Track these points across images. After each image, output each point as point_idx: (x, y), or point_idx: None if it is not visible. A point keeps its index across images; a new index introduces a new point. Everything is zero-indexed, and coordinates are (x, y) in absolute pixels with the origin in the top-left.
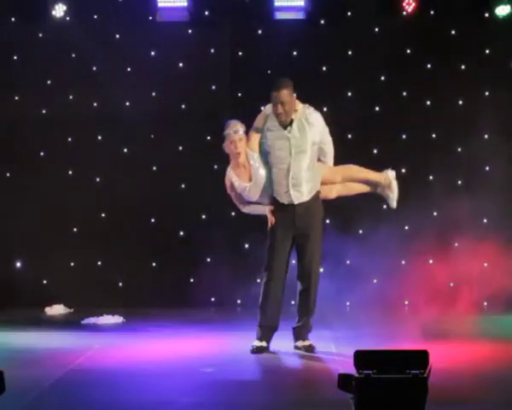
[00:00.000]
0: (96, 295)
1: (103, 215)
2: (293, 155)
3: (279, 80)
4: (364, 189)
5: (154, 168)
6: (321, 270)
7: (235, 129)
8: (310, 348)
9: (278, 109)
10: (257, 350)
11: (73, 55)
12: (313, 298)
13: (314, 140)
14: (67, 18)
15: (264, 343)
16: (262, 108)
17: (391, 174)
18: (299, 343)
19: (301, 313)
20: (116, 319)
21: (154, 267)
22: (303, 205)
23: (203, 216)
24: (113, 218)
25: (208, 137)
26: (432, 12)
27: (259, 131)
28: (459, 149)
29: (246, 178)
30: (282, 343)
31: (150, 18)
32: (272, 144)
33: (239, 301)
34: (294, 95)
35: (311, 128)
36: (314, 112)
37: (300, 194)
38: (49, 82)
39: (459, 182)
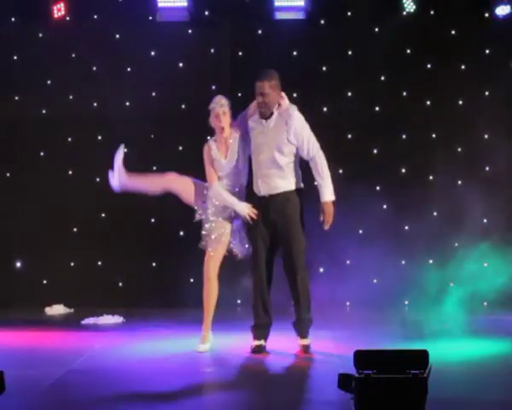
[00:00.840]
0: (96, 295)
1: (103, 215)
2: (265, 147)
3: (264, 71)
4: None
5: (154, 168)
6: (321, 270)
7: (221, 103)
8: (305, 348)
9: (258, 99)
10: (257, 349)
11: (73, 55)
12: (303, 294)
13: (290, 139)
14: (67, 18)
15: (262, 342)
16: None
17: None
18: (298, 341)
19: (295, 310)
20: (116, 319)
21: (154, 267)
22: (277, 198)
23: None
24: (113, 218)
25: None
26: (432, 12)
27: (247, 118)
28: (459, 149)
29: (224, 154)
30: (283, 343)
31: (150, 18)
32: (252, 133)
33: (239, 301)
34: (279, 89)
35: (288, 128)
36: (296, 115)
37: (268, 187)
38: (49, 82)
39: (459, 182)
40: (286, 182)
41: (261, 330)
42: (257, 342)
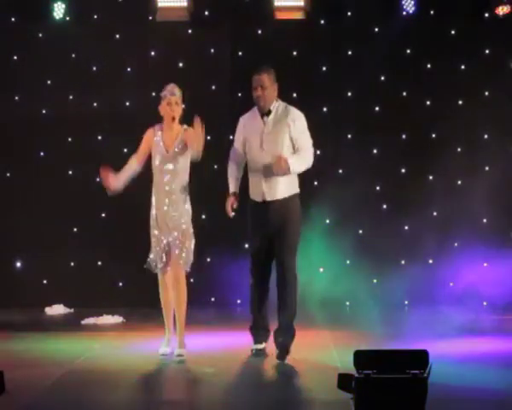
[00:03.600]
0: (96, 295)
1: (103, 215)
2: (264, 149)
3: (261, 66)
4: None
5: None
6: (321, 270)
7: (173, 91)
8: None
9: (257, 91)
10: (257, 354)
11: (73, 55)
12: (290, 299)
13: (292, 136)
14: (67, 18)
15: (261, 345)
16: None
17: None
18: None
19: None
20: (116, 319)
21: None
22: (277, 203)
23: (203, 216)
24: (113, 218)
25: (208, 137)
26: (432, 12)
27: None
28: (459, 149)
29: (168, 143)
30: None
31: (150, 18)
32: (248, 131)
33: (239, 301)
34: (276, 85)
35: (292, 125)
36: (297, 111)
37: (273, 191)
38: (49, 82)
39: (459, 182)
40: (288, 187)
41: (259, 334)
42: (258, 346)
